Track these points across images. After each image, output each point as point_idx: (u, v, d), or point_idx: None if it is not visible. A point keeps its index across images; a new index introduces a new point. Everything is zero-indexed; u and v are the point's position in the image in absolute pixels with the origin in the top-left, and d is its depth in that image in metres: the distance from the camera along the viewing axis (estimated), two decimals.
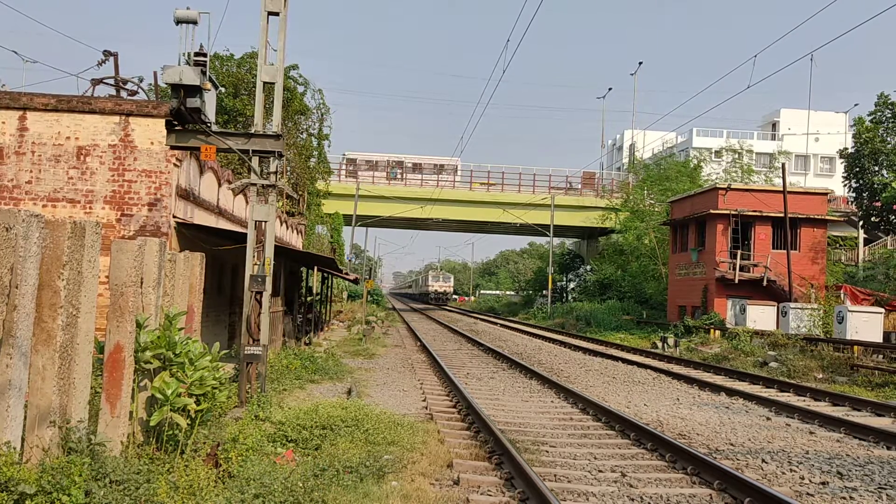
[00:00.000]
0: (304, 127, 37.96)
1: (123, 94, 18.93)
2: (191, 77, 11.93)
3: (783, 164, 34.70)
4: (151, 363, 7.49)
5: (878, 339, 24.19)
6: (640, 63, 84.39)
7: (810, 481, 8.60)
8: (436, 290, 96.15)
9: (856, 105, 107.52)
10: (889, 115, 38.66)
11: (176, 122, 13.23)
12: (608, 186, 60.43)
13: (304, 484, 6.83)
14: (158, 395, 7.26)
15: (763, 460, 9.55)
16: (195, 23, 12.12)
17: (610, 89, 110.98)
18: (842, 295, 31.20)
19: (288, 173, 34.73)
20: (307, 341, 23.51)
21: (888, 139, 38.36)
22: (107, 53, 20.48)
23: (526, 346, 27.81)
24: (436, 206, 54.24)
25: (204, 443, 7.77)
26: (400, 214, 54.69)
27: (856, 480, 8.69)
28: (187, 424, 7.43)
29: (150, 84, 23.22)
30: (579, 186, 60.18)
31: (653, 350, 26.63)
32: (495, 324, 46.59)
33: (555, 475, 8.41)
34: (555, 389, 15.50)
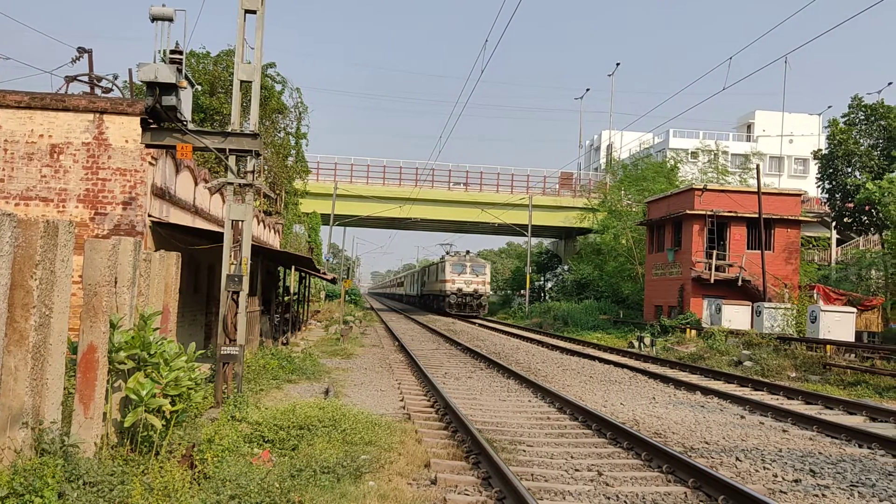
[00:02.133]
0: (282, 126, 37.78)
1: (98, 91, 18.74)
2: (166, 75, 11.82)
3: (758, 166, 35.09)
4: (126, 364, 7.42)
5: (851, 338, 24.55)
6: (618, 64, 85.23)
7: (783, 479, 8.71)
8: (459, 290, 54.62)
9: (829, 107, 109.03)
10: (862, 118, 39.18)
11: (151, 121, 13.10)
12: (586, 187, 60.75)
13: (280, 484, 6.80)
14: (133, 396, 7.19)
15: (737, 458, 9.65)
16: (171, 20, 12.01)
17: (587, 90, 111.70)
18: (815, 295, 31.62)
19: (265, 172, 34.52)
20: (284, 341, 23.40)
21: (861, 141, 38.89)
22: (81, 50, 20.25)
23: (504, 346, 27.87)
24: (414, 205, 54.22)
25: (179, 444, 7.71)
26: (378, 214, 54.60)
27: (828, 478, 8.81)
28: (162, 425, 7.37)
29: (125, 82, 23.00)
30: (557, 187, 60.44)
31: (629, 349, 26.82)
32: (473, 323, 46.67)
33: (532, 474, 8.45)
34: (532, 389, 15.56)
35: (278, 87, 36.29)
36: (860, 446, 10.78)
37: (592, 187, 59.38)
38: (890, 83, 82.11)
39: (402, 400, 13.70)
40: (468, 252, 58.65)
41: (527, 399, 14.42)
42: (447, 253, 59.26)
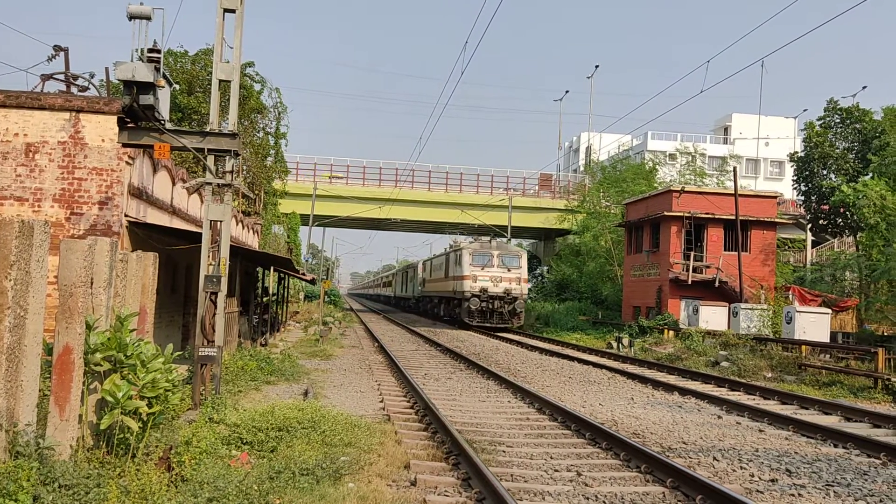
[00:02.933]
0: (261, 125, 37.55)
1: (74, 90, 18.51)
2: (144, 74, 11.71)
3: (734, 168, 35.42)
4: (102, 365, 7.33)
5: (826, 338, 24.85)
6: (597, 67, 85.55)
7: (760, 479, 8.79)
8: (484, 291, 38.63)
9: (805, 110, 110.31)
10: (838, 121, 39.71)
11: (128, 120, 12.97)
12: (565, 188, 61.02)
13: (259, 487, 6.76)
14: (109, 398, 7.11)
15: (714, 458, 9.73)
16: (149, 18, 11.90)
17: (567, 92, 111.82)
18: (790, 296, 32.01)
19: (244, 172, 34.31)
20: (263, 342, 23.27)
21: (837, 144, 39.40)
22: (57, 48, 20.00)
23: (483, 347, 27.91)
24: (394, 206, 54.14)
25: (156, 446, 7.63)
26: (358, 214, 54.46)
27: (804, 478, 8.91)
28: (139, 427, 7.29)
29: (102, 80, 22.75)
30: (537, 188, 60.66)
31: (608, 350, 26.96)
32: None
33: (511, 475, 8.46)
34: (512, 389, 15.59)
35: (257, 87, 36.08)
36: (835, 446, 10.91)
37: (572, 189, 59.65)
38: (865, 87, 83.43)
39: (381, 401, 13.67)
40: (494, 237, 42.73)
41: (506, 400, 14.45)
42: (475, 241, 41.76)
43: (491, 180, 58.73)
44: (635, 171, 51.01)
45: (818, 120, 40.34)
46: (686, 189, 36.54)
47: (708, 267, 34.76)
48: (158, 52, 12.06)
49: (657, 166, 52.77)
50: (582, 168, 75.31)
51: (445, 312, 45.34)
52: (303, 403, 11.02)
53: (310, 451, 8.52)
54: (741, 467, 9.29)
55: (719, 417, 13.15)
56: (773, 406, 14.68)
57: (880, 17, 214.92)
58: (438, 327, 40.80)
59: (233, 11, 11.54)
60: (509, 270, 38.94)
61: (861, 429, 12.35)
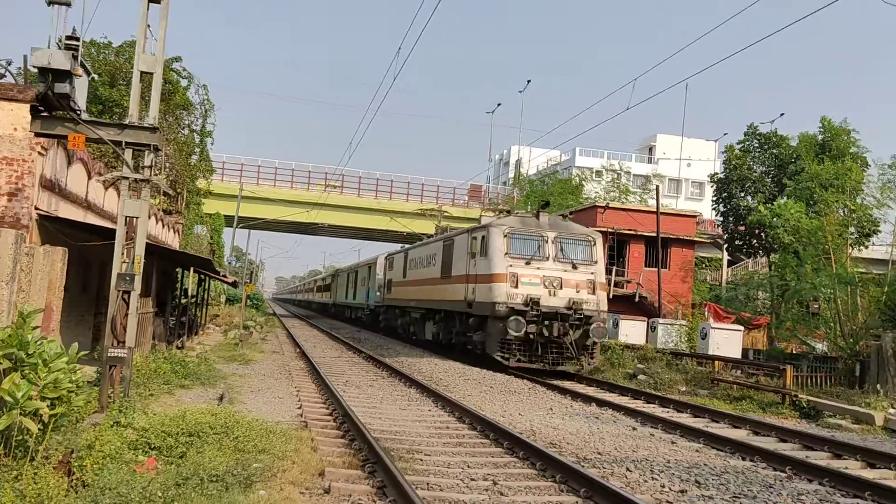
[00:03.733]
0: (187, 122, 36.62)
1: None
2: (61, 61, 11.23)
3: (657, 187, 36.49)
4: (1, 363, 6.97)
5: (738, 354, 25.70)
6: (529, 81, 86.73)
7: (670, 489, 8.97)
8: (532, 302, 20.67)
9: (725, 134, 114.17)
10: (757, 145, 41.32)
11: (42, 108, 12.42)
12: (494, 199, 61.62)
13: (164, 493, 6.51)
14: (7, 398, 6.76)
15: (628, 469, 9.89)
16: (68, 4, 11.44)
17: (499, 105, 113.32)
18: (706, 312, 33.05)
19: (167, 169, 33.37)
20: (180, 345, 22.60)
21: (755, 167, 40.97)
22: None
23: (408, 355, 27.78)
24: (322, 210, 53.59)
25: (56, 449, 7.29)
26: (285, 218, 53.67)
27: (712, 489, 9.13)
28: (39, 430, 6.95)
29: (20, 68, 21.76)
30: (466, 198, 61.05)
31: None
32: (356, 325, 46.22)
33: (427, 483, 8.40)
34: (433, 398, 15.55)
35: (184, 83, 35.20)
36: (743, 459, 11.24)
37: (500, 200, 60.27)
38: (782, 114, 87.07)
39: (300, 407, 13.43)
40: (546, 204, 26.50)
41: (427, 408, 14.39)
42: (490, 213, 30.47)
43: (421, 189, 58.88)
44: (563, 185, 51.95)
45: (738, 144, 41.88)
46: (610, 205, 37.38)
47: (629, 282, 35.62)
48: (77, 39, 11.60)
49: (584, 182, 53.86)
50: (511, 181, 76.21)
51: (439, 335, 27.09)
52: (217, 408, 10.71)
53: (221, 457, 8.27)
54: (653, 478, 9.46)
55: (634, 429, 13.40)
56: (685, 419, 15.05)
57: (799, 48, 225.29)
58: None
59: (158, 2, 11.21)
60: (575, 267, 21.75)
61: (769, 443, 12.77)
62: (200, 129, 38.00)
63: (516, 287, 21.00)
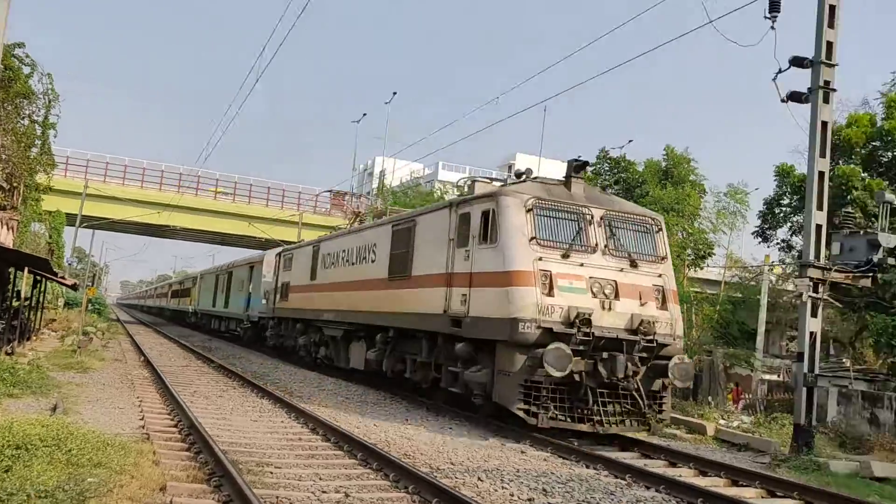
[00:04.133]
0: (27, 112, 34.01)
1: None
2: None
3: None
4: None
5: None
6: (395, 93, 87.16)
7: (519, 497, 9.20)
8: (580, 324, 12.66)
9: (579, 156, 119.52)
10: (607, 169, 43.53)
11: None
12: (357, 208, 61.35)
13: None
14: None
15: (479, 478, 10.05)
16: None
17: (364, 115, 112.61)
18: None
19: (2, 161, 30.86)
20: (10, 351, 20.87)
21: (606, 190, 43.15)
22: None
23: (262, 365, 27.02)
24: (175, 212, 51.31)
25: None
26: (134, 218, 50.94)
27: (558, 496, 9.45)
28: None
29: None
30: (329, 206, 60.40)
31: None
32: (232, 342, 44.81)
33: (277, 496, 8.17)
34: (286, 409, 15.19)
35: (26, 70, 32.72)
36: (587, 467, 11.70)
37: (363, 210, 60.07)
38: (630, 141, 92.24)
39: (142, 419, 12.72)
40: (584, 165, 15.85)
41: (280, 420, 14.04)
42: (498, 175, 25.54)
43: (282, 194, 57.66)
44: (425, 198, 52.53)
45: (590, 167, 43.92)
46: None
47: None
48: None
49: (445, 195, 54.66)
50: (374, 191, 76.21)
51: (381, 364, 18.82)
52: (48, 419, 9.96)
53: (51, 471, 7.68)
54: (503, 487, 9.67)
55: (486, 439, 13.65)
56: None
57: (649, 76, 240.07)
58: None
59: None
60: (634, 265, 14.06)
61: (611, 452, 13.35)
62: (43, 121, 35.40)
63: (550, 294, 13.01)
